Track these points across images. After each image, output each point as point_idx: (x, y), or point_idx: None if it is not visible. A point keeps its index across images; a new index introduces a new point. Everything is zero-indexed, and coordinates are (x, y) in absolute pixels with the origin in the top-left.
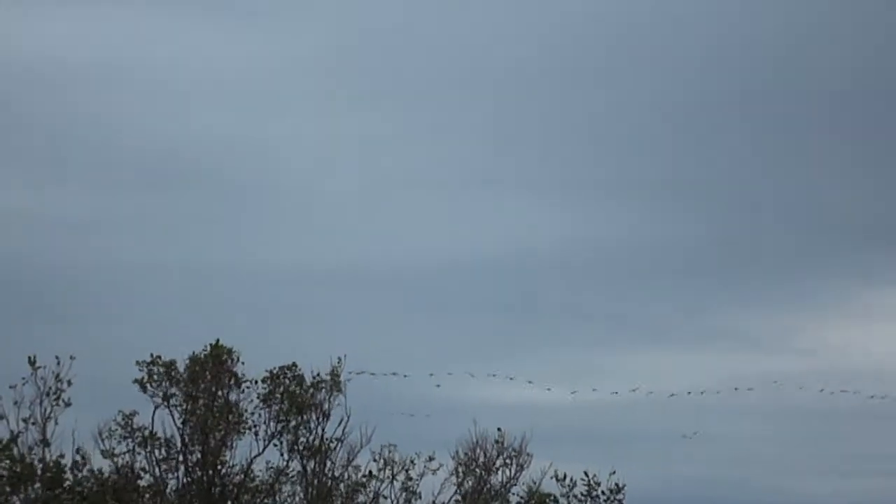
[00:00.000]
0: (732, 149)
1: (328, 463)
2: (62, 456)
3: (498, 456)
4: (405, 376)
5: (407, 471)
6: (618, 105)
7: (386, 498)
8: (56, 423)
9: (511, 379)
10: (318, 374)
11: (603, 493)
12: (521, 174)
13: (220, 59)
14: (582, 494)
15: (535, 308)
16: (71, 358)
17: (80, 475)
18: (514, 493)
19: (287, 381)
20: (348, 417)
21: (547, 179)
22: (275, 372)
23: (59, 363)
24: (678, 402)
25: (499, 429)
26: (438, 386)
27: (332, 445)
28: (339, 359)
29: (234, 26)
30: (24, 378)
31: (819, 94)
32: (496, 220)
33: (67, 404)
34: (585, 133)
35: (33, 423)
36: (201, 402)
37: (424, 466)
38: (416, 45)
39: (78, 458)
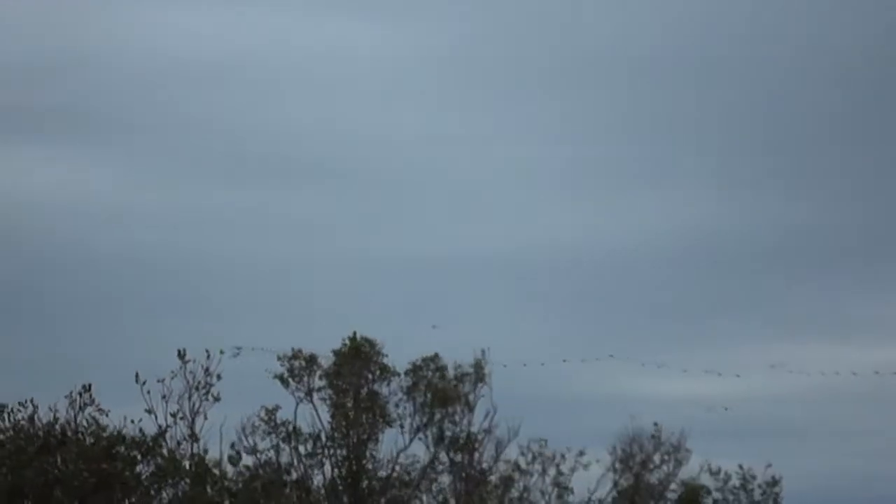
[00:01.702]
0: (877, 138)
1: (476, 456)
2: (206, 451)
3: (654, 452)
4: (542, 364)
5: (558, 465)
6: (752, 97)
7: (542, 494)
8: (205, 418)
9: (685, 371)
10: (461, 366)
11: (759, 486)
12: (670, 167)
13: (357, 52)
14: (735, 488)
15: (686, 300)
16: (221, 352)
17: (232, 471)
18: (671, 490)
19: (429, 374)
20: (495, 410)
21: (694, 172)
22: (417, 364)
23: (208, 357)
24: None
25: (655, 423)
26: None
27: (480, 438)
28: (483, 350)
29: (366, 19)
30: (172, 372)
31: None
32: (642, 212)
33: (217, 399)
34: (723, 125)
35: (181, 418)
36: (348, 395)
37: (575, 461)
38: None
39: (233, 453)
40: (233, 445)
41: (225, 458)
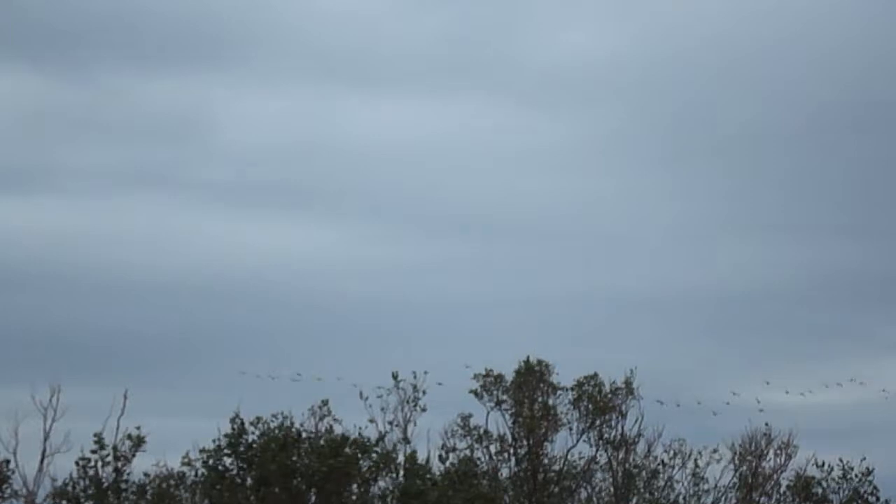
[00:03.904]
0: None
1: (630, 453)
2: (415, 451)
3: (766, 446)
4: (678, 406)
5: (695, 460)
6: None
7: (679, 482)
8: (415, 425)
9: (790, 392)
10: (615, 382)
11: (856, 475)
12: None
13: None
14: (839, 478)
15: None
16: (425, 373)
17: (436, 465)
18: (784, 479)
19: (589, 388)
20: (643, 417)
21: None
22: (580, 381)
23: (415, 377)
24: None
25: (766, 423)
26: (728, 403)
27: (633, 439)
28: (632, 370)
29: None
30: (387, 389)
31: None
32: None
33: (423, 409)
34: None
35: (396, 425)
36: (525, 405)
37: (710, 457)
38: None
39: (442, 453)
40: (443, 446)
41: (434, 456)
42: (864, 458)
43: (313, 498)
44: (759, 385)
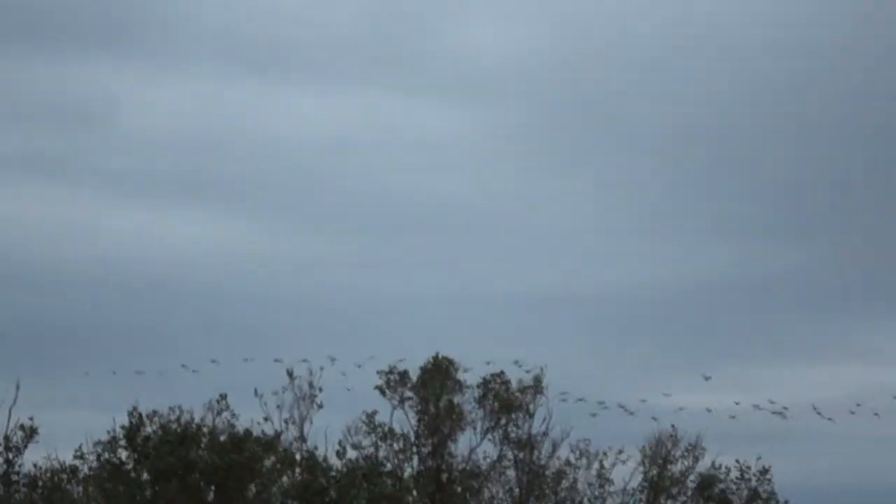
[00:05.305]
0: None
1: (535, 453)
2: (316, 447)
3: (673, 447)
4: (603, 406)
5: (601, 461)
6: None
7: (584, 483)
8: (311, 423)
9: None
10: (522, 381)
11: (754, 474)
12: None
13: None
14: (736, 478)
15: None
16: (321, 368)
17: (337, 463)
18: (691, 481)
19: (496, 386)
20: (550, 416)
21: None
22: (487, 379)
23: (311, 373)
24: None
25: (672, 425)
26: (644, 400)
27: (539, 439)
28: (542, 368)
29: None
30: (283, 387)
31: None
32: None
33: (320, 406)
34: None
35: (293, 423)
36: (431, 403)
37: (616, 458)
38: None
39: (339, 448)
40: (340, 442)
41: (332, 453)
42: (760, 458)
43: (211, 495)
44: (667, 387)
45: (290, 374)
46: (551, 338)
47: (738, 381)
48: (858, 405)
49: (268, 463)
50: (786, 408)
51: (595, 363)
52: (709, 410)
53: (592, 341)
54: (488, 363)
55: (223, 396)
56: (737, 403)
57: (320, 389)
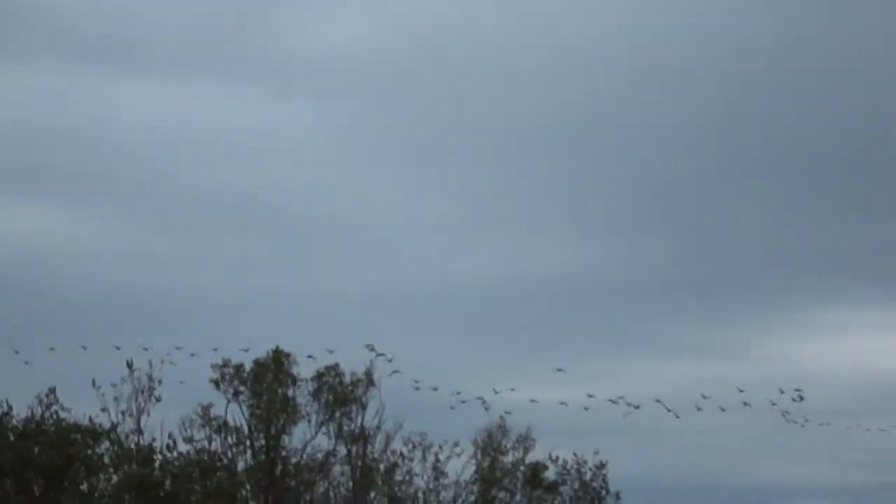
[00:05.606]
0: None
1: (368, 447)
2: (154, 439)
3: (503, 437)
4: (434, 389)
5: (436, 454)
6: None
7: (418, 476)
8: (148, 416)
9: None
10: (355, 373)
11: (590, 469)
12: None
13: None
14: (574, 470)
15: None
16: (161, 362)
17: (171, 456)
18: (521, 472)
19: (330, 379)
20: (383, 408)
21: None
22: (321, 371)
23: (151, 366)
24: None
25: (501, 416)
26: (497, 391)
27: (371, 432)
28: (371, 360)
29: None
30: (122, 378)
31: None
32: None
33: (158, 399)
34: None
35: (130, 415)
36: (264, 397)
37: (451, 451)
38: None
39: (170, 442)
40: (170, 435)
41: (163, 446)
42: (598, 452)
43: (38, 491)
44: (520, 382)
45: (129, 365)
46: (403, 335)
47: (592, 375)
48: (706, 398)
49: (101, 452)
50: (636, 407)
51: (448, 358)
52: (563, 404)
53: (445, 338)
54: (331, 352)
55: (52, 390)
56: (590, 396)
57: (159, 382)
